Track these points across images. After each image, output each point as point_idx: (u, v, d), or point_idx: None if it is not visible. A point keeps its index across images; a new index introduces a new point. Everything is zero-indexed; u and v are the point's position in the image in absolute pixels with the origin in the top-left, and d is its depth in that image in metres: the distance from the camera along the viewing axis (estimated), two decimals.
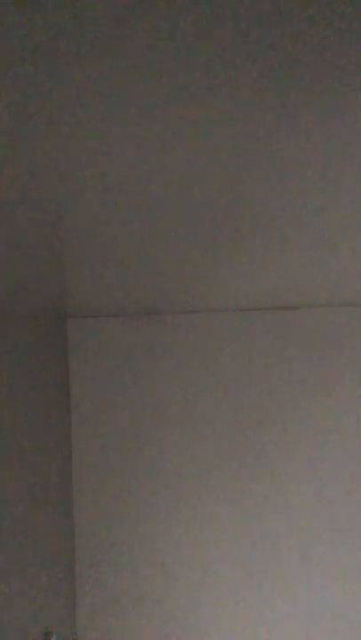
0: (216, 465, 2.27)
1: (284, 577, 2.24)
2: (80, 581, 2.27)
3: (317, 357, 2.27)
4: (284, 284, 1.70)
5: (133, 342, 2.30)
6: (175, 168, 0.63)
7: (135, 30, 0.39)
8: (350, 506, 2.24)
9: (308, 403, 2.26)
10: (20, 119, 0.50)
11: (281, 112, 0.52)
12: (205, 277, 1.48)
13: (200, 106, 0.50)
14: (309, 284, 1.74)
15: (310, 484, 2.25)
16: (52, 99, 0.47)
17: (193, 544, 2.26)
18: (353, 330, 2.27)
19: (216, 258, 1.21)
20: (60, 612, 2.06)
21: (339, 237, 1.08)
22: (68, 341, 2.31)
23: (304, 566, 2.24)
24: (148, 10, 0.37)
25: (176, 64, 0.43)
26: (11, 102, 0.47)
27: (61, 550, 2.12)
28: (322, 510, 2.25)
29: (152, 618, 2.26)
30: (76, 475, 2.28)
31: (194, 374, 2.29)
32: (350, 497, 2.24)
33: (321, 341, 2.27)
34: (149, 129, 0.53)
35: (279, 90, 0.48)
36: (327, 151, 0.62)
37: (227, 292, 1.80)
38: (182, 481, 2.27)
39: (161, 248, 1.07)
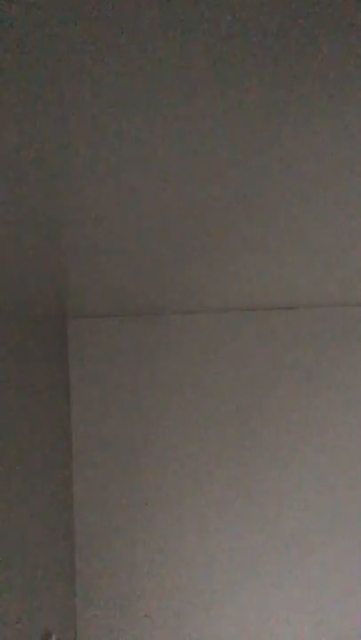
0: (216, 464, 2.27)
1: (285, 576, 2.24)
2: (80, 581, 2.27)
3: (317, 357, 2.27)
4: (284, 284, 1.70)
5: (133, 342, 2.30)
6: (175, 169, 0.63)
7: (137, 32, 0.39)
8: (349, 503, 2.24)
9: (308, 402, 2.26)
10: (21, 119, 0.50)
11: (281, 112, 0.52)
12: (205, 278, 1.48)
13: (200, 106, 0.50)
14: (309, 284, 1.73)
15: (311, 483, 2.25)
16: (53, 99, 0.47)
17: (194, 543, 2.26)
18: (353, 330, 2.26)
19: (216, 258, 1.21)
20: (60, 612, 2.06)
21: (339, 237, 1.08)
22: (68, 341, 2.31)
23: (306, 564, 2.24)
24: (149, 11, 0.37)
25: (177, 64, 0.43)
26: (11, 103, 0.47)
27: (61, 550, 2.12)
28: (322, 509, 2.25)
29: (152, 617, 2.26)
30: (76, 474, 2.28)
31: (194, 374, 2.28)
32: (350, 494, 2.24)
33: (321, 341, 2.27)
34: (149, 130, 0.53)
35: (279, 89, 0.48)
36: (327, 151, 0.62)
37: (227, 292, 1.80)
38: (182, 480, 2.27)
39: (161, 248, 1.07)
